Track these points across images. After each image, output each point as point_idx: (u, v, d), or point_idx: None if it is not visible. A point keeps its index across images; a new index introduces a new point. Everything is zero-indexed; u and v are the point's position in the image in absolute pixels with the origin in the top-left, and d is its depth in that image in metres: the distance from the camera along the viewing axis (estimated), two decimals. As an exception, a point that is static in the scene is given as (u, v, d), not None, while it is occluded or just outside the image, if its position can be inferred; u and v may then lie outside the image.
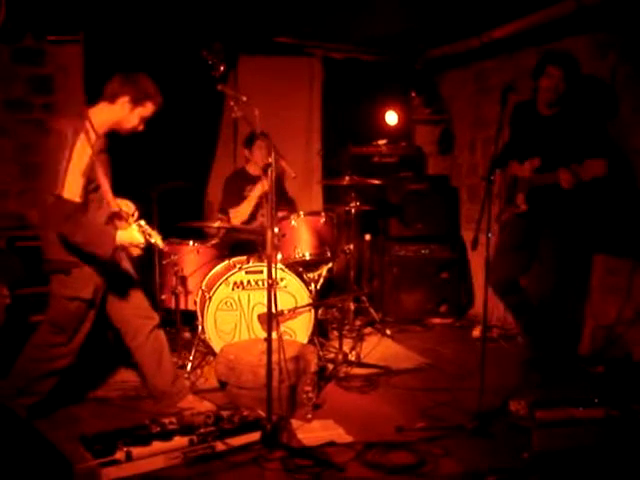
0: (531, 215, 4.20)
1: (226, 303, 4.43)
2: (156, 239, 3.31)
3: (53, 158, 3.13)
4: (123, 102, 3.32)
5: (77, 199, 3.12)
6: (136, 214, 3.40)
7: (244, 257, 4.69)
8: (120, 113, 3.33)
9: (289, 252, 4.56)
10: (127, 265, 3.58)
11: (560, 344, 4.45)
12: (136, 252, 3.34)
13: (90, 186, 3.22)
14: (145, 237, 3.26)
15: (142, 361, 3.60)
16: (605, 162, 3.68)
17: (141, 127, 3.44)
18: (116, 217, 3.32)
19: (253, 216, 5.18)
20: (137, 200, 3.54)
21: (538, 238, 4.23)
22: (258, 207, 5.17)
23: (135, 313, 3.55)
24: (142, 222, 3.30)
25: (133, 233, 3.24)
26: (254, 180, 5.19)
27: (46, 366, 3.40)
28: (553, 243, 4.18)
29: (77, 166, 3.11)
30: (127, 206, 3.40)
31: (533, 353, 4.38)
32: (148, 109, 3.39)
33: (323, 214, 4.73)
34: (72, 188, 3.10)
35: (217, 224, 4.83)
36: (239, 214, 5.13)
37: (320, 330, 4.85)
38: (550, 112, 4.17)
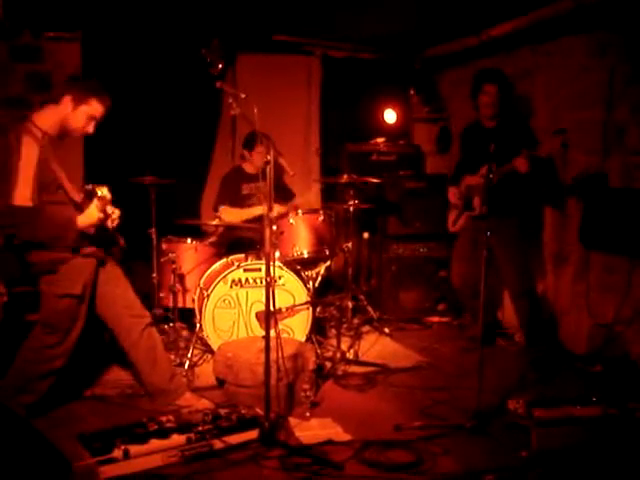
0: (488, 214, 4.35)
1: (224, 301, 4.43)
2: (100, 191, 3.25)
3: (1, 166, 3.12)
4: (66, 101, 3.32)
5: (28, 203, 3.11)
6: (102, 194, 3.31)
7: (242, 255, 4.68)
8: (64, 111, 3.33)
9: (287, 250, 4.55)
10: (115, 262, 3.58)
11: (542, 332, 4.66)
12: (110, 224, 3.38)
13: (49, 188, 3.21)
14: (103, 207, 3.25)
15: (137, 360, 3.59)
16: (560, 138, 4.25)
17: (91, 129, 3.43)
18: (84, 205, 3.33)
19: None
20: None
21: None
22: (246, 201, 5.17)
23: (126, 312, 3.55)
24: (89, 186, 3.30)
25: (91, 212, 3.24)
26: (251, 178, 5.19)
27: (42, 367, 3.41)
28: (506, 237, 4.52)
29: (26, 170, 3.10)
30: (101, 190, 3.31)
31: (531, 352, 4.41)
32: (93, 107, 3.37)
33: (321, 212, 4.72)
34: (22, 193, 3.09)
35: (215, 222, 4.83)
36: (231, 215, 5.11)
37: (318, 328, 4.85)
38: (492, 124, 4.71)
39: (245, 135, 5.28)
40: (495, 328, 5.11)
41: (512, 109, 4.76)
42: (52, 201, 3.24)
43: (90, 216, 3.26)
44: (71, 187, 3.37)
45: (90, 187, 3.30)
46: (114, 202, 3.38)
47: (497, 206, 4.29)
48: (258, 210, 5.03)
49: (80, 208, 3.33)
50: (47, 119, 3.31)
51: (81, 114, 3.35)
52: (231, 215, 5.11)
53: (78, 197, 3.38)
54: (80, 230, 3.26)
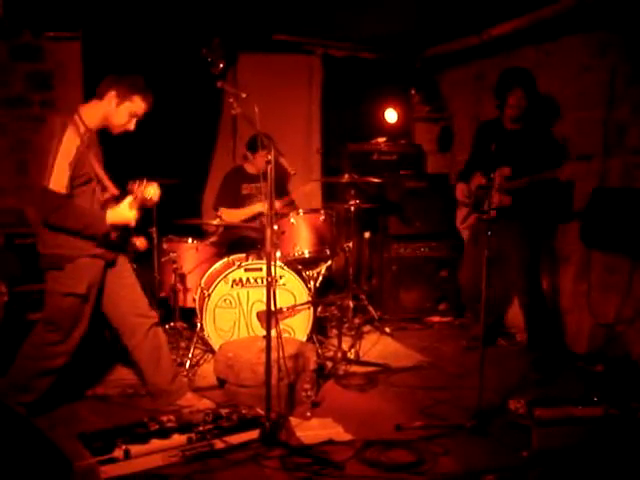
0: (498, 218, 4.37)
1: (225, 301, 4.43)
2: (148, 192, 3.31)
3: (43, 151, 3.19)
4: (110, 97, 3.34)
5: (63, 190, 3.16)
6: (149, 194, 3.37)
7: (243, 254, 4.68)
8: (107, 107, 3.35)
9: (288, 250, 4.55)
10: (126, 263, 3.58)
11: (550, 338, 4.60)
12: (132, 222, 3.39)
13: (80, 179, 3.24)
14: (138, 206, 3.31)
15: (141, 360, 3.59)
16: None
17: (132, 126, 3.44)
18: (114, 202, 3.36)
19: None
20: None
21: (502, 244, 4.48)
22: (246, 201, 5.18)
23: (133, 312, 3.55)
24: (136, 184, 3.33)
25: (123, 209, 3.30)
26: (252, 179, 5.19)
27: (43, 365, 3.40)
28: (518, 241, 4.51)
29: (64, 157, 3.15)
30: (146, 189, 3.35)
31: (532, 352, 4.41)
32: (136, 104, 3.39)
33: (322, 212, 4.72)
34: (58, 179, 3.14)
35: (216, 221, 4.83)
36: (231, 216, 5.11)
37: (319, 328, 4.85)
38: (515, 126, 4.56)
39: (249, 136, 5.26)
40: (498, 328, 5.10)
41: (537, 113, 4.63)
42: (79, 192, 3.26)
43: (121, 214, 3.31)
44: (107, 183, 3.40)
45: (136, 185, 3.32)
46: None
47: (517, 210, 4.40)
48: (257, 207, 5.04)
49: (108, 204, 3.37)
50: (91, 114, 3.34)
51: (124, 111, 3.38)
52: (231, 216, 5.11)
53: (112, 193, 3.41)
54: (110, 225, 3.29)
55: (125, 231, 3.48)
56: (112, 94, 3.34)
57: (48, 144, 3.17)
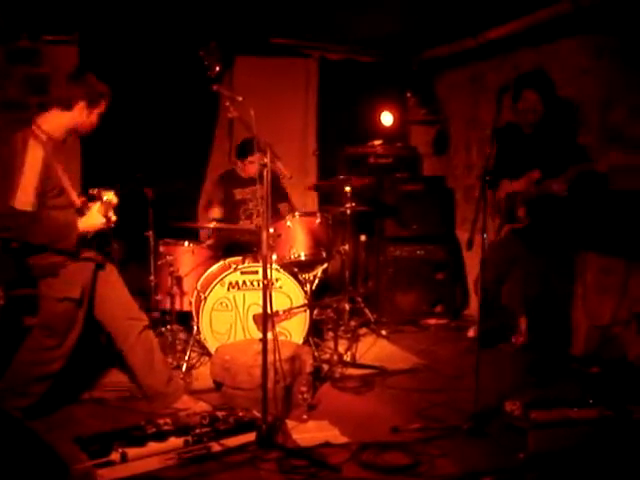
0: (530, 228, 4.42)
1: (221, 303, 4.43)
2: (107, 196, 3.33)
3: (5, 167, 3.15)
4: (81, 108, 3.34)
5: (29, 208, 3.12)
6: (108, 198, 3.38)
7: (239, 257, 4.69)
8: (79, 118, 3.36)
9: (284, 252, 4.55)
10: (113, 267, 3.59)
11: (554, 346, 4.55)
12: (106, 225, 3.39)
13: (52, 192, 3.23)
14: (105, 211, 3.31)
15: (134, 363, 3.59)
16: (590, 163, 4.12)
17: (97, 124, 3.48)
18: (84, 209, 3.35)
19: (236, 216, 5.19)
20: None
21: (524, 250, 4.51)
22: (241, 206, 5.18)
23: (124, 315, 3.55)
24: (95, 191, 3.35)
25: (92, 216, 3.30)
26: (245, 183, 5.19)
27: (39, 370, 3.41)
28: (541, 249, 4.46)
29: (29, 174, 3.11)
30: (107, 195, 3.38)
31: (529, 354, 4.42)
32: (102, 107, 3.43)
33: (318, 214, 4.72)
34: (24, 198, 3.11)
35: (212, 224, 4.83)
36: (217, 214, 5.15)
37: (315, 331, 4.85)
38: (533, 130, 4.46)
39: (237, 145, 5.27)
40: (504, 332, 5.04)
41: (556, 114, 4.52)
42: (54, 205, 3.25)
43: (91, 220, 3.30)
44: (73, 191, 3.38)
45: (96, 191, 3.34)
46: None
47: (539, 221, 4.38)
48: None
49: (81, 212, 3.34)
50: (53, 123, 3.31)
51: (95, 116, 3.41)
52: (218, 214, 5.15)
53: (79, 201, 3.39)
54: (80, 233, 3.27)
55: (101, 235, 3.44)
56: (82, 105, 3.33)
57: (9, 161, 3.12)
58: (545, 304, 4.59)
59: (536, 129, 4.46)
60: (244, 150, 5.09)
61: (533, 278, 4.60)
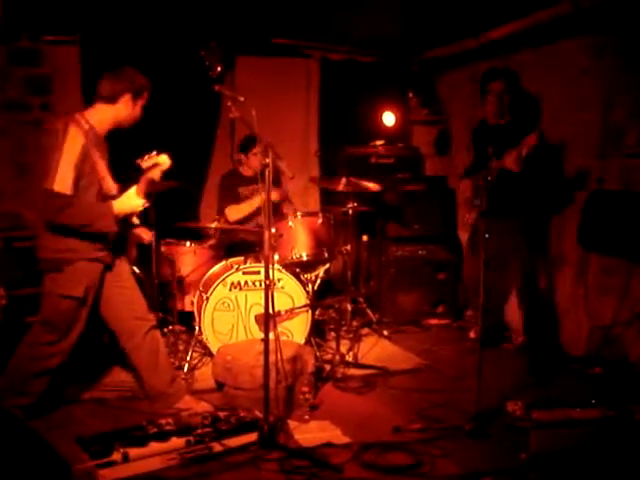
0: (491, 211, 4.35)
1: (223, 304, 4.43)
2: (160, 158, 3.34)
3: (46, 153, 3.21)
4: (126, 100, 3.39)
5: (68, 191, 3.16)
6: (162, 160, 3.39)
7: (241, 258, 4.69)
8: (125, 111, 3.42)
9: (286, 253, 4.55)
10: (124, 265, 3.59)
11: (542, 334, 4.68)
12: (136, 220, 3.43)
13: (86, 178, 3.25)
14: (144, 192, 3.32)
15: (139, 362, 3.59)
16: (537, 134, 4.23)
17: (140, 116, 3.53)
18: (120, 195, 3.38)
19: (250, 217, 5.18)
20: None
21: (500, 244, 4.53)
22: (255, 214, 5.18)
23: (131, 314, 3.55)
24: (145, 157, 3.35)
25: (130, 197, 3.31)
26: (247, 181, 5.19)
27: (37, 365, 3.40)
28: (516, 239, 4.60)
29: (68, 157, 3.16)
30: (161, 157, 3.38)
31: (529, 354, 4.43)
32: (145, 98, 3.50)
33: (320, 215, 4.72)
34: (63, 180, 3.14)
35: (214, 225, 4.83)
36: (236, 212, 5.11)
37: (317, 331, 4.85)
38: (501, 121, 4.71)
39: (240, 140, 5.28)
40: (502, 330, 5.08)
41: (524, 109, 4.77)
42: (89, 191, 3.28)
43: (128, 201, 3.31)
44: (109, 179, 3.41)
45: (145, 157, 3.34)
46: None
47: (497, 206, 4.30)
48: (257, 201, 5.05)
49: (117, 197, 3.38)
50: (98, 116, 3.37)
51: (138, 108, 3.47)
52: (236, 212, 5.11)
53: (114, 188, 3.42)
54: (119, 216, 3.29)
55: (127, 226, 3.47)
56: (127, 98, 3.38)
57: (51, 146, 3.18)
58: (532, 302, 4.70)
59: (506, 120, 4.69)
60: (247, 143, 5.10)
61: (515, 265, 4.68)
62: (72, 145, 3.17)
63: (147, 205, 3.39)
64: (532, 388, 3.99)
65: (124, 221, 3.38)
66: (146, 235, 4.22)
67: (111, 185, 3.40)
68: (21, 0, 4.61)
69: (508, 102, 4.64)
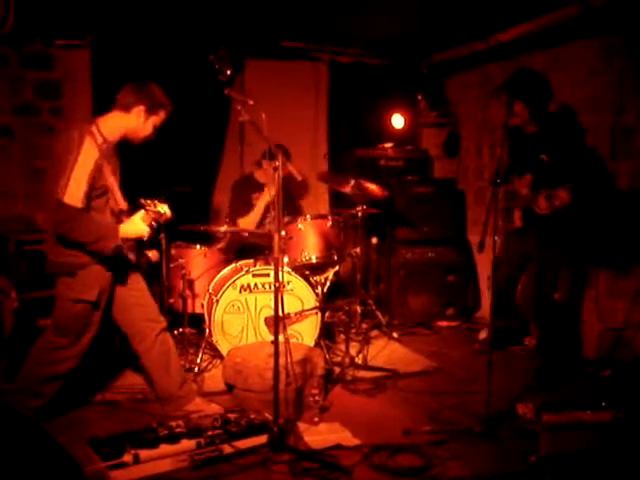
0: (523, 231, 4.48)
1: (233, 306, 4.44)
2: (162, 208, 3.32)
3: (60, 161, 3.19)
4: (139, 111, 3.38)
5: (78, 204, 3.15)
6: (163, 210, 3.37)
7: (251, 260, 4.70)
8: (135, 122, 3.40)
9: (296, 255, 4.56)
10: (135, 268, 3.60)
11: (564, 350, 4.55)
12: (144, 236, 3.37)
13: (96, 191, 3.25)
14: (150, 220, 3.31)
15: (150, 365, 3.61)
16: (568, 191, 4.13)
17: (153, 136, 3.50)
18: (124, 215, 3.37)
19: (260, 222, 5.21)
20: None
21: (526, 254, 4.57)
22: (265, 214, 5.20)
23: (142, 317, 3.56)
24: (148, 201, 3.32)
25: (136, 222, 3.29)
26: (261, 187, 5.22)
27: (50, 369, 3.42)
28: (546, 256, 4.48)
29: (82, 171, 3.15)
30: (161, 207, 3.37)
31: (541, 357, 4.41)
32: (160, 117, 3.47)
33: (330, 217, 4.73)
34: (74, 193, 3.13)
35: (224, 228, 4.85)
36: (247, 223, 5.15)
37: (327, 333, 4.86)
38: (531, 130, 4.48)
39: (260, 145, 5.29)
40: (517, 333, 5.02)
41: (556, 117, 4.62)
42: (97, 205, 3.28)
43: (133, 226, 3.29)
44: (118, 194, 3.40)
45: (149, 202, 3.31)
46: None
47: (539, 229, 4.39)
48: (263, 201, 5.09)
49: (122, 216, 3.37)
50: (112, 126, 3.37)
51: (150, 124, 3.44)
52: (249, 222, 5.17)
53: (123, 205, 3.41)
54: (120, 238, 3.26)
55: (137, 244, 3.46)
56: (140, 108, 3.38)
57: (65, 156, 3.16)
58: (555, 308, 4.59)
59: (536, 130, 4.47)
60: (270, 152, 5.11)
61: (544, 278, 4.56)
62: (86, 158, 3.16)
63: (151, 235, 3.38)
64: (542, 390, 3.98)
65: (119, 254, 3.34)
66: (152, 255, 4.17)
67: (119, 199, 3.40)
68: (33, 4, 4.64)
69: (530, 117, 4.41)
